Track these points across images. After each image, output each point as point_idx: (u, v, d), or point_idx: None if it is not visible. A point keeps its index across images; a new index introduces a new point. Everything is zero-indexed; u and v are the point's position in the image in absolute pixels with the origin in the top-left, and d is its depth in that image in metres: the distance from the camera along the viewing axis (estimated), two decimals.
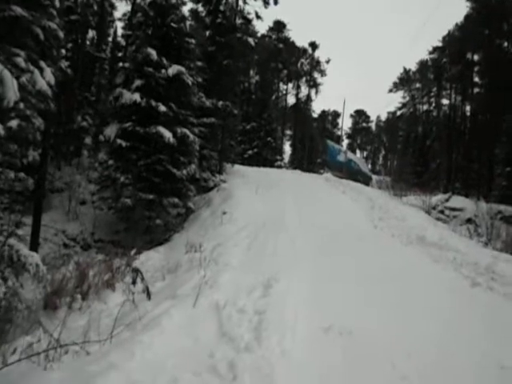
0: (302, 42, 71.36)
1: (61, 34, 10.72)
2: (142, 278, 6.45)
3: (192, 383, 3.37)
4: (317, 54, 53.93)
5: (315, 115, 60.83)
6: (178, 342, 4.12)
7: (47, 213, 14.23)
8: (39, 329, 4.32)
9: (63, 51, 16.55)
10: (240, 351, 4.00)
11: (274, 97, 52.05)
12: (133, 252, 8.67)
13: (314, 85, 53.80)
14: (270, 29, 51.06)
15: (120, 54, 26.27)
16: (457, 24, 39.29)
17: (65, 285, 5.90)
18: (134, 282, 6.47)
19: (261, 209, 13.32)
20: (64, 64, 13.19)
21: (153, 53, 13.26)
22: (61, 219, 14.74)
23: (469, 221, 17.93)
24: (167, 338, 4.15)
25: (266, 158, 38.37)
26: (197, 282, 5.82)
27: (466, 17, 35.23)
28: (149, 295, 6.02)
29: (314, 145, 53.27)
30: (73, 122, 19.12)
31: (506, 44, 31.89)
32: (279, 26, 50.94)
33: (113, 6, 27.96)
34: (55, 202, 15.44)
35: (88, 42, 23.32)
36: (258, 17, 22.19)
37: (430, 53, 47.68)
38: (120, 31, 28.63)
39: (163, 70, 13.44)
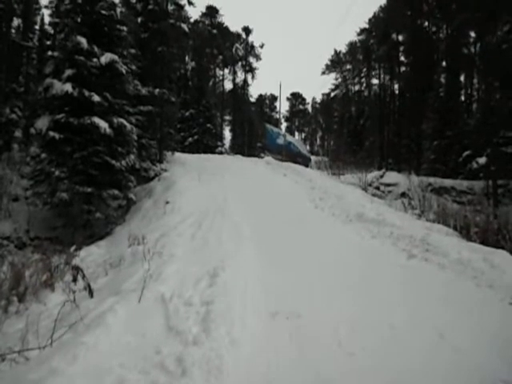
0: (235, 27, 70.62)
1: None
2: (82, 275, 6.21)
3: (139, 383, 3.29)
4: (251, 38, 53.52)
5: (253, 100, 60.69)
6: (123, 340, 4.01)
7: None
8: None
9: None
10: (188, 345, 3.94)
11: (211, 83, 51.60)
12: (72, 248, 8.39)
13: (249, 69, 53.50)
14: (203, 14, 50.60)
15: (49, 43, 25.08)
16: (381, 6, 41.34)
17: None
18: (74, 280, 6.23)
19: (204, 196, 13.21)
20: None
21: (83, 41, 12.75)
22: None
23: (403, 195, 18.73)
24: (112, 337, 4.02)
25: (206, 144, 38.00)
26: (141, 275, 5.68)
27: None
28: (91, 293, 5.80)
29: (253, 129, 53.28)
30: (0, 115, 18.17)
31: (426, 24, 33.24)
32: (212, 11, 50.59)
33: None
34: None
35: (13, 31, 22.17)
36: (189, 3, 22.02)
37: (358, 34, 49.05)
38: (47, 19, 27.18)
39: (95, 59, 12.99)
